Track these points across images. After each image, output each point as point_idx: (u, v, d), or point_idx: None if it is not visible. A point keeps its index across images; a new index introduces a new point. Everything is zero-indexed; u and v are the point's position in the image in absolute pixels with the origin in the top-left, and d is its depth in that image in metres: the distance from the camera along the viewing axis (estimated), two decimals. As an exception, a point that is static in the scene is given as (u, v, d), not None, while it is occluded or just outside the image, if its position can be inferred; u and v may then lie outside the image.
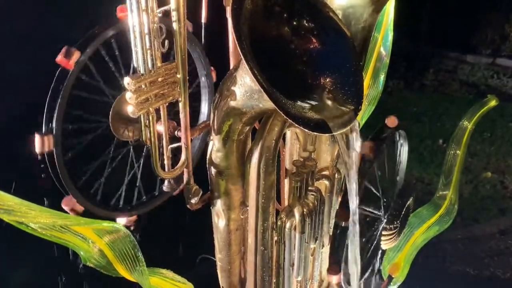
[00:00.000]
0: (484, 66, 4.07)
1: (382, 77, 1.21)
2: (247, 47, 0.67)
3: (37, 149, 0.79)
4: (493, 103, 1.24)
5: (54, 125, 0.80)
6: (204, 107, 0.97)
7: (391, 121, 1.05)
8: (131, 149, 0.91)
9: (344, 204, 0.95)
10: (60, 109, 0.80)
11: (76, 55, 0.77)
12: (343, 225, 1.01)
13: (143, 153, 0.90)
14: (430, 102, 3.87)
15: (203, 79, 0.97)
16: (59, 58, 0.77)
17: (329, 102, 0.74)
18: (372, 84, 1.21)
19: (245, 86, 0.75)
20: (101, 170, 0.91)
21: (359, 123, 0.80)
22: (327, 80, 0.77)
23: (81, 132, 0.89)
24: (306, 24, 0.79)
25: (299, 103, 0.72)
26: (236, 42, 0.64)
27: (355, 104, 0.75)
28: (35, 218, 0.57)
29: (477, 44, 4.19)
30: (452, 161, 1.24)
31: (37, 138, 0.79)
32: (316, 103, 0.74)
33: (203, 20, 0.97)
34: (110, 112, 0.86)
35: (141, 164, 0.91)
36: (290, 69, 0.79)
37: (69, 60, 0.78)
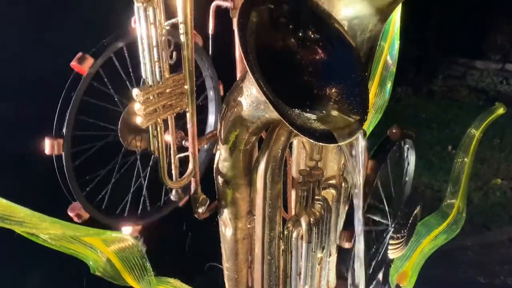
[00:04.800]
0: (493, 72, 4.04)
1: (388, 85, 1.21)
2: (253, 59, 0.68)
3: (47, 151, 0.80)
4: (500, 111, 1.23)
5: (64, 129, 0.81)
6: (211, 119, 0.98)
7: (394, 134, 1.05)
8: (138, 158, 0.92)
9: (348, 224, 0.95)
10: (71, 113, 0.81)
11: (89, 61, 0.79)
12: (346, 246, 1.01)
13: (150, 163, 0.92)
14: (439, 108, 3.85)
15: (211, 92, 0.98)
16: (74, 63, 0.79)
17: (334, 113, 0.75)
18: (379, 93, 1.21)
19: (251, 97, 0.76)
20: (108, 178, 0.92)
21: (365, 132, 0.80)
22: (333, 90, 0.78)
23: (90, 139, 0.90)
24: (312, 35, 0.79)
25: (304, 113, 0.72)
26: (243, 55, 0.65)
27: (360, 114, 0.76)
28: (45, 229, 0.58)
29: (486, 49, 4.16)
30: (460, 169, 1.24)
31: (47, 141, 0.80)
32: (322, 113, 0.74)
33: (210, 31, 0.99)
34: (119, 121, 0.88)
35: (148, 173, 0.92)
36: (296, 80, 0.79)
37: (82, 65, 0.79)
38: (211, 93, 0.98)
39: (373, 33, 0.91)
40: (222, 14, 0.97)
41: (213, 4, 0.96)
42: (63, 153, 0.81)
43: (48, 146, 0.80)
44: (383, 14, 0.89)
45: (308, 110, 0.74)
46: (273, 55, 0.77)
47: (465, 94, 3.95)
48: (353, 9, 0.85)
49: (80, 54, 0.78)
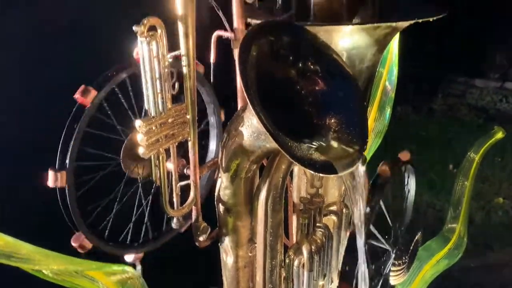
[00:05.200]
0: (493, 90, 4.07)
1: (388, 110, 1.23)
2: (254, 92, 0.69)
3: (50, 184, 0.81)
4: (499, 135, 1.24)
5: (67, 161, 0.82)
6: (213, 145, 0.99)
7: (404, 155, 1.06)
8: (140, 186, 0.92)
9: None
10: (74, 145, 0.82)
11: (92, 93, 0.80)
12: None
13: (152, 190, 0.92)
14: (439, 126, 3.86)
15: (212, 119, 0.99)
16: (77, 95, 0.80)
17: (334, 143, 0.76)
18: (379, 117, 1.23)
19: (252, 127, 0.77)
20: (110, 207, 0.93)
21: (365, 158, 0.81)
22: (332, 120, 0.79)
23: (92, 169, 0.91)
24: (311, 67, 0.81)
25: (305, 144, 0.73)
26: (243, 89, 0.66)
27: (360, 144, 0.77)
28: (49, 265, 0.58)
29: (485, 68, 4.19)
30: (460, 193, 1.24)
31: (50, 173, 0.81)
32: (322, 144, 0.75)
33: (211, 60, 1.01)
34: (122, 150, 0.89)
35: (149, 201, 0.93)
36: (296, 110, 0.81)
37: (86, 97, 0.81)
38: (212, 120, 1.00)
39: (372, 62, 0.93)
40: (224, 43, 0.99)
41: (215, 34, 0.98)
42: (66, 186, 0.82)
43: (51, 178, 0.81)
44: (381, 45, 0.91)
45: (308, 140, 0.75)
46: (273, 85, 0.78)
47: (465, 113, 3.96)
48: (351, 41, 0.87)
49: (83, 86, 0.79)
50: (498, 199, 3.01)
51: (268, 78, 0.77)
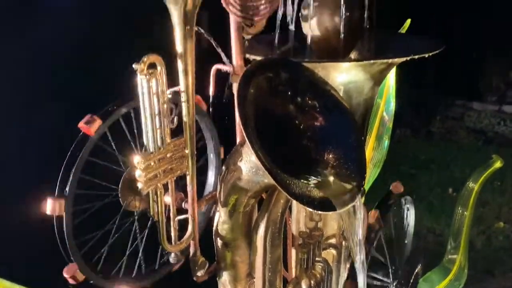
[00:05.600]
0: (491, 113, 4.10)
1: (386, 140, 1.23)
2: (252, 130, 0.69)
3: (48, 211, 0.81)
4: (498, 164, 1.25)
5: (67, 189, 0.81)
6: (211, 178, 0.99)
7: (396, 187, 1.06)
8: (136, 220, 0.92)
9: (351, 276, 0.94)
10: (75, 174, 0.81)
11: (97, 123, 0.80)
12: None
13: (148, 224, 0.92)
14: (438, 149, 3.87)
15: (211, 155, 1.00)
16: (82, 124, 0.80)
17: (332, 179, 0.76)
18: (377, 147, 1.23)
19: (250, 163, 0.77)
20: (105, 239, 0.92)
21: (364, 191, 0.81)
22: (330, 155, 0.79)
23: (90, 198, 0.91)
24: (309, 102, 0.82)
25: (303, 180, 0.74)
26: (242, 127, 0.67)
27: (358, 180, 0.77)
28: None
29: (482, 91, 4.24)
30: (460, 222, 1.23)
31: (49, 201, 0.80)
32: (320, 179, 0.76)
33: (211, 93, 1.02)
34: (121, 182, 0.88)
35: (145, 235, 0.92)
36: (295, 144, 0.81)
37: (90, 127, 0.81)
38: (211, 156, 1.00)
39: (369, 95, 0.94)
40: (223, 76, 1.01)
41: (214, 68, 0.99)
42: (64, 214, 0.81)
43: (50, 206, 0.80)
44: (378, 79, 0.92)
45: (306, 176, 0.75)
46: (272, 120, 0.79)
47: (464, 136, 3.98)
48: (348, 76, 0.88)
49: (88, 116, 0.80)
50: (498, 223, 3.00)
51: (266, 113, 0.78)
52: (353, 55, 0.96)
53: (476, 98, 4.22)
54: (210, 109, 1.03)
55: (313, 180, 0.74)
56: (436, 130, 4.06)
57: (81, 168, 0.82)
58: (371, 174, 1.23)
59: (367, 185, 1.21)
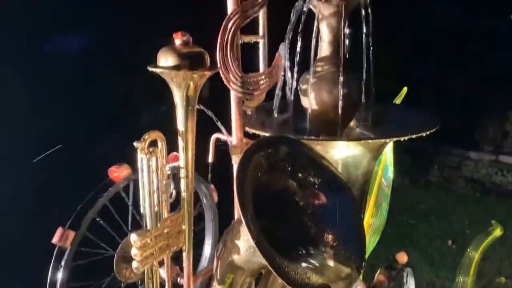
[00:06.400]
0: (488, 163, 4.11)
1: (384, 206, 1.23)
2: (251, 214, 0.69)
3: (55, 240, 0.80)
4: (497, 232, 1.24)
5: (81, 225, 0.82)
6: (207, 250, 0.98)
7: (401, 257, 1.05)
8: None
9: None
10: (91, 213, 0.83)
11: (127, 171, 0.80)
12: None
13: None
14: (436, 199, 3.85)
15: (208, 225, 0.99)
16: (113, 168, 0.82)
17: (331, 262, 0.75)
18: (376, 214, 1.22)
19: (248, 243, 0.76)
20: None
21: (364, 263, 0.80)
22: (330, 235, 0.78)
23: (90, 254, 0.89)
24: (308, 178, 0.82)
25: (302, 264, 0.72)
26: (240, 212, 0.66)
27: (357, 262, 0.76)
28: None
29: (479, 141, 4.27)
30: (462, 291, 1.20)
31: (59, 230, 0.81)
32: (319, 262, 0.74)
33: (210, 160, 1.02)
34: (118, 248, 0.87)
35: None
36: (294, 223, 0.80)
37: (120, 173, 0.83)
38: (209, 225, 0.99)
39: (367, 168, 0.94)
40: (222, 144, 1.02)
41: (213, 137, 1.00)
42: (69, 247, 0.80)
43: (58, 235, 0.80)
44: (376, 153, 0.93)
45: (305, 259, 0.74)
46: (271, 199, 0.79)
47: (462, 185, 3.97)
48: (346, 151, 0.88)
49: (117, 165, 0.80)
50: (500, 278, 2.93)
51: (265, 192, 0.78)
52: (351, 130, 0.98)
53: (473, 147, 4.25)
54: (209, 177, 1.03)
55: (311, 264, 0.73)
56: (435, 179, 4.06)
57: (97, 211, 0.83)
58: (371, 241, 1.22)
59: (367, 252, 1.19)
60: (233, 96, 0.90)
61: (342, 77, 0.91)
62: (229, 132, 0.96)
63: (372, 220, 1.22)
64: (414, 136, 0.84)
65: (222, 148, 1.01)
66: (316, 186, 0.82)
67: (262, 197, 0.75)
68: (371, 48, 0.93)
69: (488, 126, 4.29)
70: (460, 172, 4.12)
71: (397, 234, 3.33)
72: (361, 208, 0.95)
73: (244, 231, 0.77)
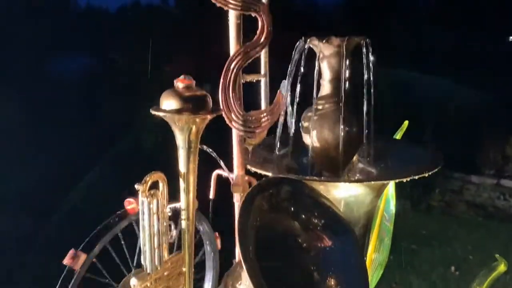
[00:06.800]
0: (490, 187, 4.09)
1: (387, 241, 1.21)
2: (253, 259, 0.68)
3: (65, 261, 0.79)
4: (502, 268, 1.22)
5: (94, 249, 0.81)
6: (208, 289, 0.97)
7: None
8: None
9: None
10: (103, 241, 0.82)
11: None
12: None
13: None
14: (438, 224, 3.81)
15: (208, 264, 0.98)
16: (129, 199, 0.80)
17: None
18: (378, 248, 1.21)
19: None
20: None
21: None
22: (332, 281, 0.77)
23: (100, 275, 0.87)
24: (310, 220, 0.81)
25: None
26: (242, 262, 0.65)
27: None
28: None
29: (480, 164, 4.26)
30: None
31: (71, 251, 0.79)
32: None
33: (211, 196, 1.01)
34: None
35: None
36: (298, 267, 0.79)
37: (133, 208, 0.81)
38: (209, 264, 0.98)
39: (369, 207, 0.94)
40: (223, 180, 1.01)
41: (214, 173, 1.00)
42: (78, 269, 0.79)
43: (70, 256, 0.78)
44: (378, 191, 0.92)
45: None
46: (272, 242, 0.78)
47: (464, 210, 3.94)
48: (348, 192, 0.88)
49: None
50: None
51: (268, 234, 0.77)
52: (353, 165, 0.97)
53: (474, 171, 4.23)
54: (210, 213, 1.02)
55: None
56: (436, 203, 4.03)
57: (109, 240, 0.82)
58: (374, 276, 1.20)
59: (370, 286, 1.17)
60: (235, 134, 0.91)
61: (343, 115, 0.91)
62: (231, 168, 0.96)
63: (375, 255, 1.20)
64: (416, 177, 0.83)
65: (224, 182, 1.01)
66: (319, 228, 0.81)
67: (265, 239, 0.74)
68: (372, 85, 0.93)
69: (489, 149, 4.29)
70: (462, 196, 4.10)
71: (399, 260, 3.29)
72: (364, 247, 0.94)
73: (245, 276, 0.76)
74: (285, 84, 0.98)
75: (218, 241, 1.04)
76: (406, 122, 1.26)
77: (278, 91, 1.01)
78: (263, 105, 0.99)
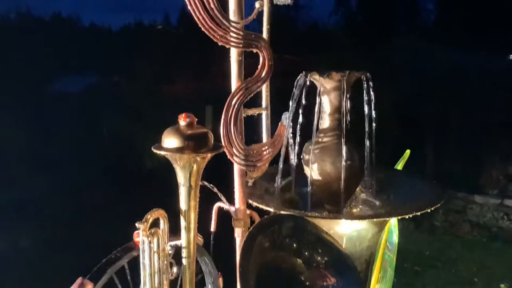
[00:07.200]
0: (493, 207, 4.06)
1: (390, 272, 1.20)
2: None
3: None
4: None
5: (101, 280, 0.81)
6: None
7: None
8: None
9: None
10: (110, 272, 0.82)
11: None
12: None
13: None
14: (442, 245, 3.77)
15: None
16: (138, 232, 0.80)
17: None
18: (381, 279, 1.20)
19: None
20: None
21: None
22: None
23: None
24: (316, 257, 0.81)
25: None
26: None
27: None
28: None
29: (483, 184, 4.24)
30: None
31: (78, 280, 0.78)
32: None
33: (212, 229, 1.01)
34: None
35: None
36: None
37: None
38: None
39: (372, 242, 0.93)
40: (224, 213, 1.01)
41: (216, 206, 0.99)
42: None
43: (77, 284, 0.77)
44: (381, 226, 0.92)
45: None
46: (276, 280, 0.77)
47: (467, 230, 3.90)
48: (351, 227, 0.87)
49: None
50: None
51: (271, 271, 0.76)
52: (355, 197, 0.97)
53: (477, 191, 4.22)
54: (211, 246, 1.01)
55: None
56: (439, 224, 4.00)
57: (115, 270, 0.82)
58: (377, 308, 1.18)
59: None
60: (236, 168, 0.91)
61: (344, 149, 0.91)
62: (232, 200, 0.96)
63: (377, 286, 1.18)
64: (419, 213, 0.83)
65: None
66: (322, 266, 0.80)
67: (267, 277, 0.73)
68: (374, 117, 0.94)
69: (492, 169, 4.28)
70: (466, 216, 4.07)
71: (403, 282, 3.25)
72: (367, 281, 0.92)
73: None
74: (286, 116, 0.98)
75: (220, 280, 1.03)
76: (407, 151, 1.26)
77: (280, 123, 1.02)
78: (264, 138, 0.99)
